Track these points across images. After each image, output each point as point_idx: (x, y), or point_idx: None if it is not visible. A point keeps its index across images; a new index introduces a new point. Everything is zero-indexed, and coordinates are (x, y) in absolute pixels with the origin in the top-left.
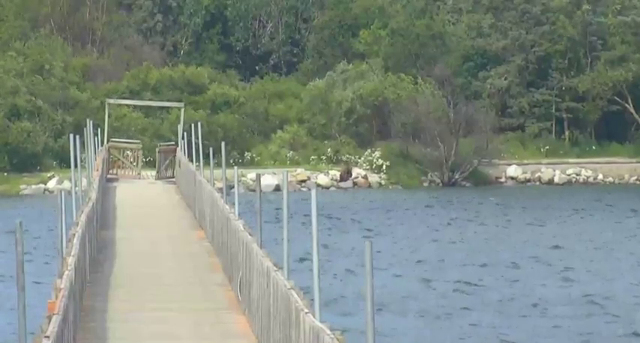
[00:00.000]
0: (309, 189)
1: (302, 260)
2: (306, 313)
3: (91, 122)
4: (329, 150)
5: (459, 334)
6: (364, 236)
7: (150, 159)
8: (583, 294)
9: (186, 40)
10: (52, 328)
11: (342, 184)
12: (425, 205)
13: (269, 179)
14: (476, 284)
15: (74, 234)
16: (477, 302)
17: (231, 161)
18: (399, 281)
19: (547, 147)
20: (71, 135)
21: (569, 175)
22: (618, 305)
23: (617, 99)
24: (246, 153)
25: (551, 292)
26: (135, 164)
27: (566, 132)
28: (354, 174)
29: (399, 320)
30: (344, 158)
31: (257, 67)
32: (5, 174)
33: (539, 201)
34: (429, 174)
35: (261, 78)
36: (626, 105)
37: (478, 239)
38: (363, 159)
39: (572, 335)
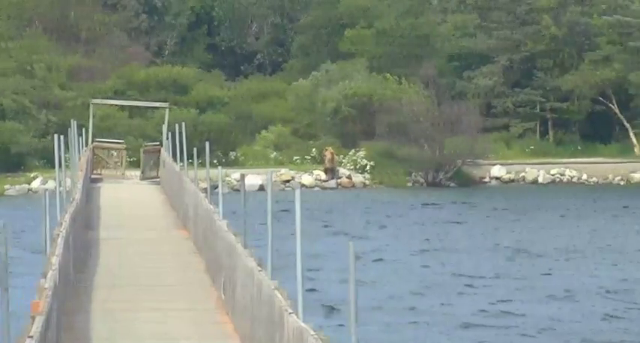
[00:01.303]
0: (294, 189)
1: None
2: (290, 313)
3: (75, 122)
4: (313, 150)
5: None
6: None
7: (134, 160)
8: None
9: (171, 40)
10: (36, 328)
11: (326, 184)
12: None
13: (253, 179)
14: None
15: (58, 234)
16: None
17: (216, 161)
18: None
19: (531, 147)
20: (55, 136)
21: (553, 175)
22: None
23: (602, 99)
24: (231, 153)
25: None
26: (119, 164)
27: (551, 132)
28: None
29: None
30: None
31: (242, 67)
32: None
33: (519, 201)
34: (413, 175)
35: (247, 78)
36: (611, 105)
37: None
38: (347, 159)
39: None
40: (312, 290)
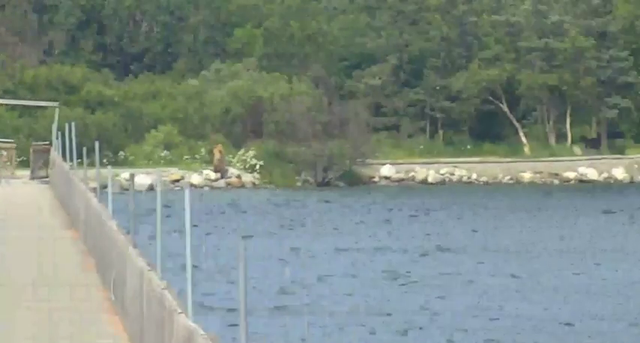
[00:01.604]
0: (183, 189)
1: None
2: (180, 313)
3: None
4: (203, 149)
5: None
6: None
7: (24, 159)
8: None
9: (61, 39)
10: None
11: (215, 184)
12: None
13: (143, 178)
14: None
15: None
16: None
17: (105, 160)
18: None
19: (421, 146)
20: None
21: (442, 175)
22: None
23: (492, 98)
24: (120, 153)
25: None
26: (9, 164)
27: (440, 132)
28: (227, 174)
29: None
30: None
31: (132, 66)
32: None
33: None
34: (302, 174)
35: (136, 77)
36: (500, 104)
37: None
38: (237, 158)
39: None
40: (204, 293)
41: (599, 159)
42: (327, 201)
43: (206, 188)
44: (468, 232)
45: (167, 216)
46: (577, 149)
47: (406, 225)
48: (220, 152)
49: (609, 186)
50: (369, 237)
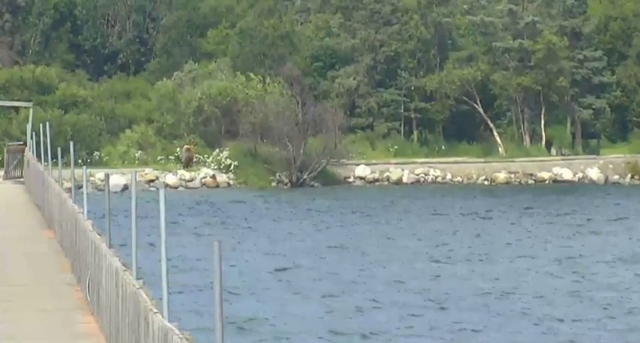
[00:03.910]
0: (158, 189)
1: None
2: (155, 313)
3: None
4: (177, 150)
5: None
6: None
7: None
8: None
9: (35, 40)
10: None
11: (190, 184)
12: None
13: (117, 179)
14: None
15: None
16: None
17: (80, 161)
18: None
19: (396, 146)
20: None
21: (417, 175)
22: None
23: (466, 99)
24: (95, 153)
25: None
26: None
27: (415, 132)
28: (202, 174)
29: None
30: (190, 149)
31: (105, 67)
32: None
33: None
34: (277, 174)
35: (110, 77)
36: (475, 105)
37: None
38: (211, 158)
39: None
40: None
41: (574, 159)
42: (277, 201)
43: (181, 188)
44: (361, 233)
45: (145, 217)
46: (552, 150)
47: (324, 227)
48: (189, 149)
49: (583, 186)
50: (267, 238)
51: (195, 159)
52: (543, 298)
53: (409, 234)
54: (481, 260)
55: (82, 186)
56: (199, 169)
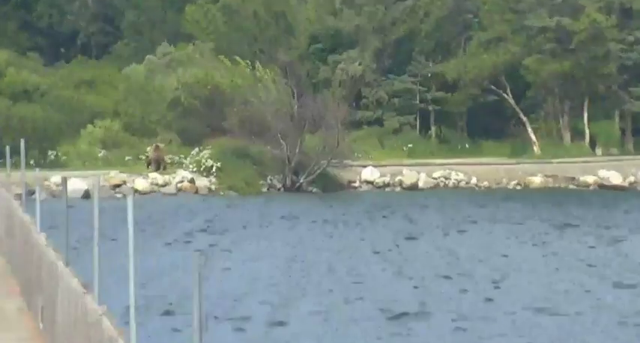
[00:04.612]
0: (125, 196)
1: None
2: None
3: None
4: (148, 149)
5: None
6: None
7: None
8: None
9: None
10: None
11: (164, 190)
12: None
13: (77, 183)
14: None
15: None
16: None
17: (32, 162)
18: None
19: (410, 145)
20: None
21: (436, 179)
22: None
23: (494, 87)
24: (50, 153)
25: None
26: None
27: (433, 128)
28: (178, 178)
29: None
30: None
31: (63, 50)
32: None
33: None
34: (268, 178)
35: (68, 62)
36: (505, 95)
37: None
38: (189, 159)
39: None
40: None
41: (623, 159)
42: (268, 210)
43: (153, 194)
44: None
45: (111, 229)
46: (597, 149)
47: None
48: (159, 148)
49: (635, 193)
50: (252, 262)
51: (168, 161)
52: None
53: (437, 257)
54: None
55: (34, 192)
56: (175, 172)
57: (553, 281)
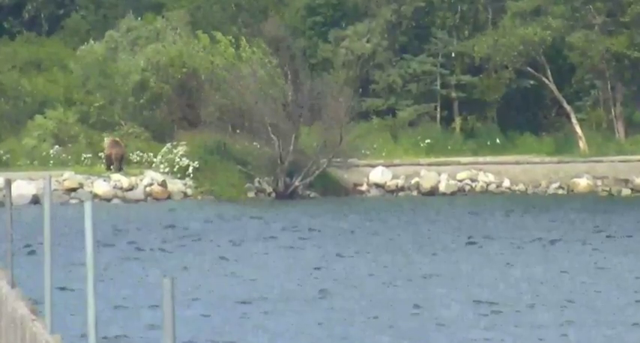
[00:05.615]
0: (82, 202)
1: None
2: None
3: None
4: (105, 144)
5: None
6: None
7: None
8: None
9: None
10: None
11: (129, 195)
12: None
13: (24, 186)
14: None
15: None
16: None
17: None
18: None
19: (428, 140)
20: None
21: (460, 181)
22: None
23: (531, 70)
24: None
25: None
26: None
27: (457, 119)
28: (147, 180)
29: None
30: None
31: (6, 24)
32: None
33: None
34: (256, 180)
35: (12, 39)
36: (544, 79)
37: None
38: (160, 157)
39: None
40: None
41: None
42: (255, 221)
43: (116, 200)
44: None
45: (65, 241)
46: None
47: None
48: (118, 144)
49: None
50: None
51: (135, 160)
52: None
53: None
54: None
55: None
56: (142, 173)
57: None
